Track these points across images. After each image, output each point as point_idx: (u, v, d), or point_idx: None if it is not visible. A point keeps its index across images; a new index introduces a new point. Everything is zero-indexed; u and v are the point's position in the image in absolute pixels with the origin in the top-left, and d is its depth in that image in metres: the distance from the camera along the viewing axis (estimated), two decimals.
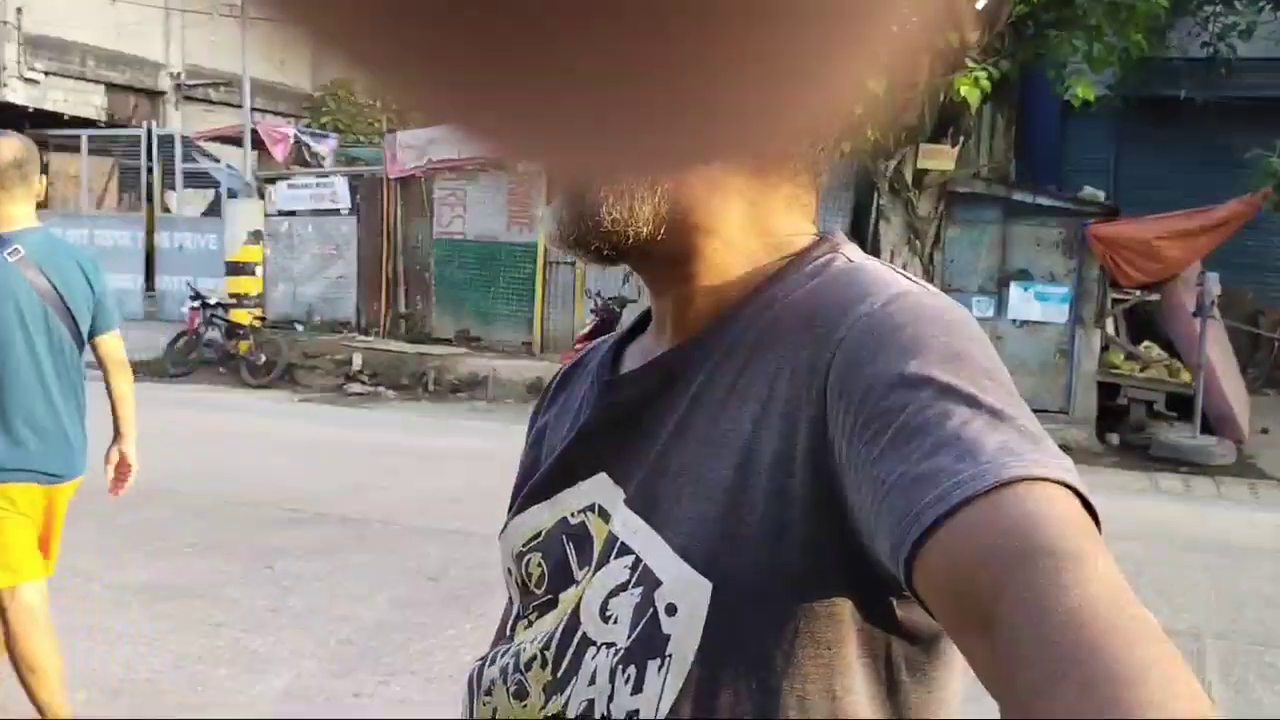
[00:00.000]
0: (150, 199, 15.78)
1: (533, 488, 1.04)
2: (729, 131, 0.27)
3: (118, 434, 3.74)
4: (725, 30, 0.23)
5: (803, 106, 0.27)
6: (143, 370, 12.44)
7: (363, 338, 13.37)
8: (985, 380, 0.76)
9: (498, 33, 0.23)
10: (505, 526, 1.07)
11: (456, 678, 4.16)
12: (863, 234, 10.76)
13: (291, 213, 14.25)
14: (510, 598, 1.10)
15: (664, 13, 0.23)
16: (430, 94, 0.26)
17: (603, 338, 1.16)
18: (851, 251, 0.97)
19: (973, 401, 0.73)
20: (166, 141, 15.71)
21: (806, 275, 0.93)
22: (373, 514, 6.42)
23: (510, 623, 1.07)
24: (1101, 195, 11.02)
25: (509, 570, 1.07)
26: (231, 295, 12.95)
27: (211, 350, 12.38)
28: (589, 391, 1.06)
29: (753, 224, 0.95)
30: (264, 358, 11.98)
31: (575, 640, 0.92)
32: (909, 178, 10.38)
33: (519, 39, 0.23)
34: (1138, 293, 10.49)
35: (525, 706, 0.96)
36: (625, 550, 0.91)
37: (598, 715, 0.89)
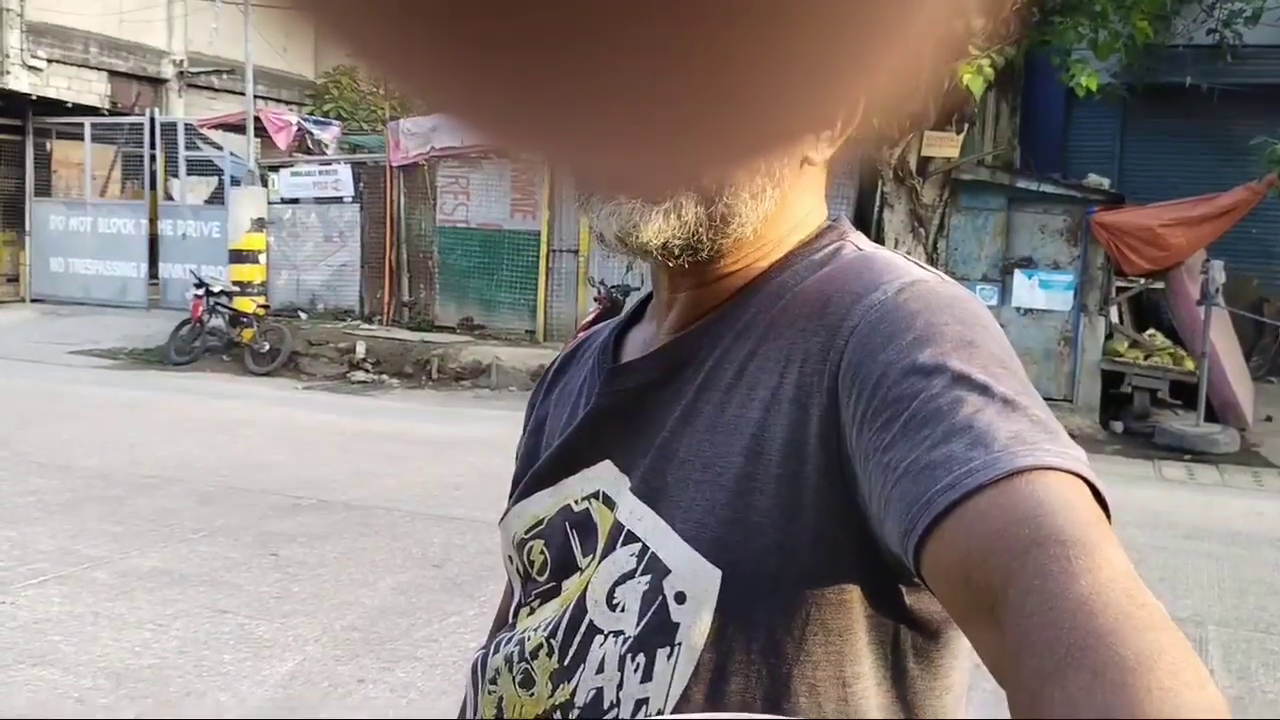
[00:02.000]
0: (153, 186, 15.76)
1: (535, 475, 1.04)
2: (813, 114, 0.27)
3: None
4: (799, 14, 0.23)
5: (865, 84, 0.27)
6: (146, 358, 12.47)
7: (366, 326, 13.37)
8: (998, 369, 0.76)
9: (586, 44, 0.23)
10: (506, 514, 1.07)
11: (460, 663, 4.17)
12: (866, 222, 10.74)
13: (295, 200, 14.23)
14: (510, 585, 1.10)
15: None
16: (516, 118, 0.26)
17: (600, 324, 1.16)
18: (859, 239, 0.97)
19: (985, 390, 0.73)
20: (169, 129, 15.68)
21: (816, 263, 0.93)
22: (376, 501, 6.43)
23: (512, 610, 1.07)
24: (1106, 182, 10.99)
25: (509, 558, 1.07)
26: (235, 283, 12.95)
27: (215, 338, 12.39)
28: (591, 378, 1.05)
29: (785, 210, 0.94)
30: (268, 345, 11.99)
31: (582, 628, 0.92)
32: (913, 165, 10.36)
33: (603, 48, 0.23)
34: (1142, 280, 10.47)
35: (532, 695, 0.95)
36: (632, 538, 0.91)
37: (607, 703, 0.89)
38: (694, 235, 0.88)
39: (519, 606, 1.04)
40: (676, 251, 0.89)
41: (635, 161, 0.29)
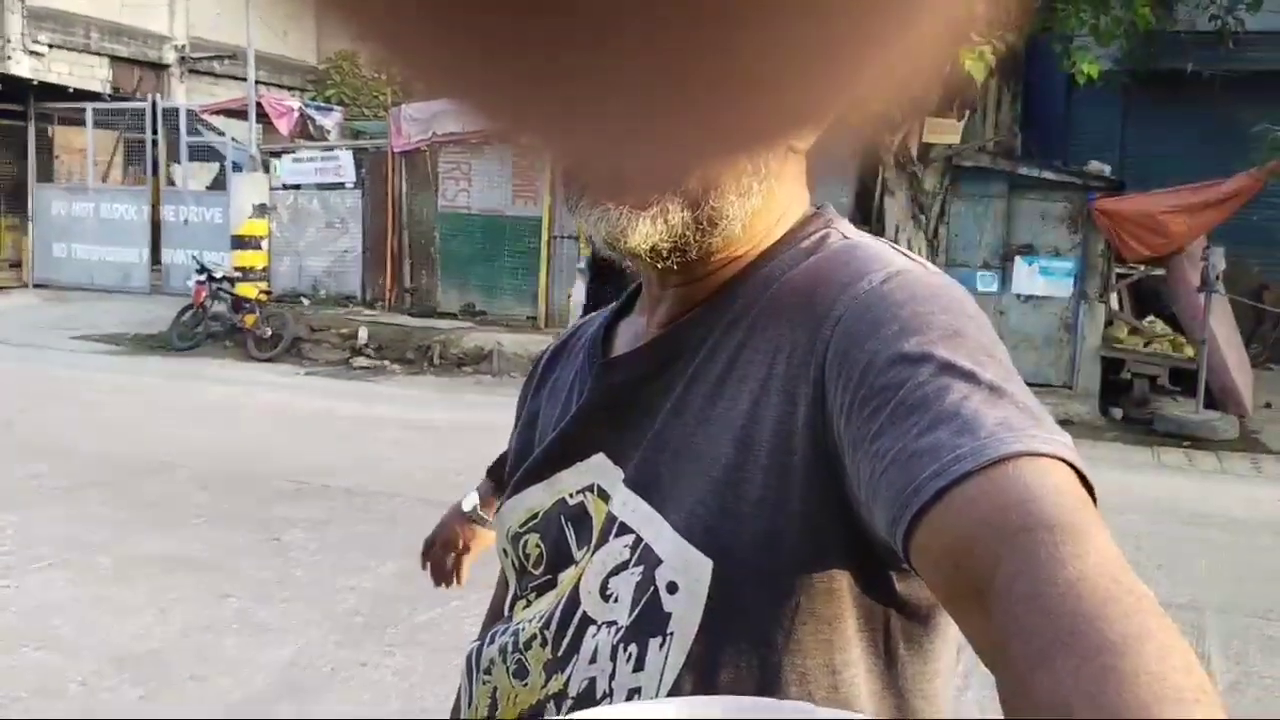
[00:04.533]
0: (155, 172, 15.74)
1: (529, 469, 1.04)
2: (811, 105, 0.27)
3: None
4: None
5: (865, 80, 0.27)
6: (149, 344, 12.47)
7: (368, 312, 13.36)
8: (984, 356, 0.76)
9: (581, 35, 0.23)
10: (499, 508, 1.07)
11: (461, 648, 4.16)
12: (867, 209, 10.72)
13: (296, 186, 14.21)
14: (503, 578, 1.11)
15: None
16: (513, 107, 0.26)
17: (588, 316, 1.16)
18: (844, 227, 0.97)
19: (971, 378, 0.74)
20: (171, 114, 15.65)
21: (803, 252, 0.93)
22: (378, 486, 6.44)
23: (508, 603, 1.07)
24: (1107, 169, 10.96)
25: (504, 551, 1.07)
26: (237, 269, 12.94)
27: (218, 323, 12.38)
28: (582, 372, 1.05)
29: (771, 200, 0.94)
30: (270, 331, 11.98)
31: (575, 619, 0.93)
32: (914, 152, 10.34)
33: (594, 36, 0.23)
34: (1142, 267, 10.45)
35: (526, 685, 0.96)
36: (625, 529, 0.91)
37: (599, 693, 0.89)
38: (681, 238, 0.89)
39: (515, 599, 1.04)
40: (664, 253, 0.90)
41: (623, 165, 0.28)
